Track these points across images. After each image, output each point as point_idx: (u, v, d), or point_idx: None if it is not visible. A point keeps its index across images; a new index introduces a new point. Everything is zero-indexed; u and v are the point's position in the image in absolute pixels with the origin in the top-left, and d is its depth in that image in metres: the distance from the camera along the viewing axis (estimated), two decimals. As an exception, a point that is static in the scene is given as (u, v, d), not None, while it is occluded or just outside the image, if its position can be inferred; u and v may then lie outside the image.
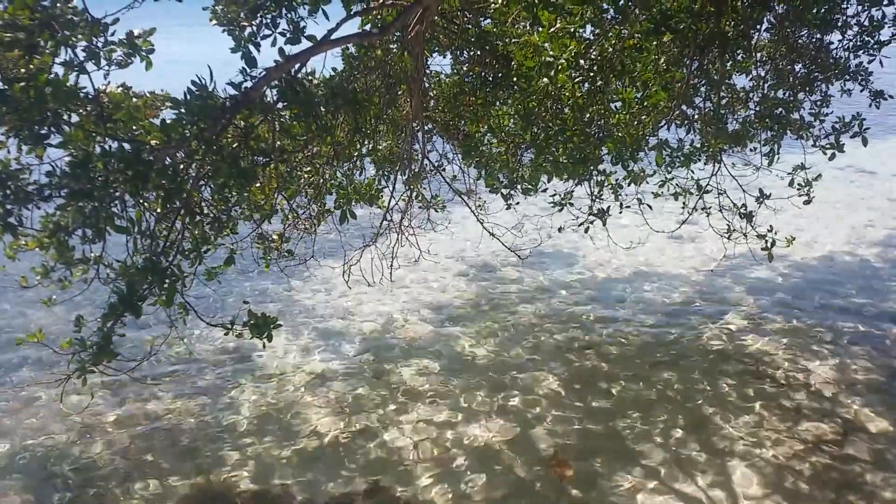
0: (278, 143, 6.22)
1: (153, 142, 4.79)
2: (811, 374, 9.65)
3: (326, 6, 5.29)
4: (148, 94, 6.19)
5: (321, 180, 8.33)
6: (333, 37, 5.67)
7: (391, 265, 9.93)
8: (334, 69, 7.80)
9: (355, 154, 8.27)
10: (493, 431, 8.56)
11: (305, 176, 8.19)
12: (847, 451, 8.00)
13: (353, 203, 8.31)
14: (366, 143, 8.40)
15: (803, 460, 7.86)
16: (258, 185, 7.22)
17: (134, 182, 4.49)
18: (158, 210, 5.55)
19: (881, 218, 16.61)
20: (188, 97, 4.83)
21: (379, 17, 7.60)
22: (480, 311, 12.13)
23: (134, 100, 5.71)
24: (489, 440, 8.40)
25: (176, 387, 9.67)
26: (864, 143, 8.12)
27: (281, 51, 5.31)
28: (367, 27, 7.54)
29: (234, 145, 5.43)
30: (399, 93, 8.38)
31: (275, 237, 8.82)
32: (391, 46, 8.02)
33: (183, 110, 4.82)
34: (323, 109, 6.11)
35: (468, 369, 10.09)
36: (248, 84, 5.19)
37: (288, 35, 5.22)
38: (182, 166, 5.26)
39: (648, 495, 7.40)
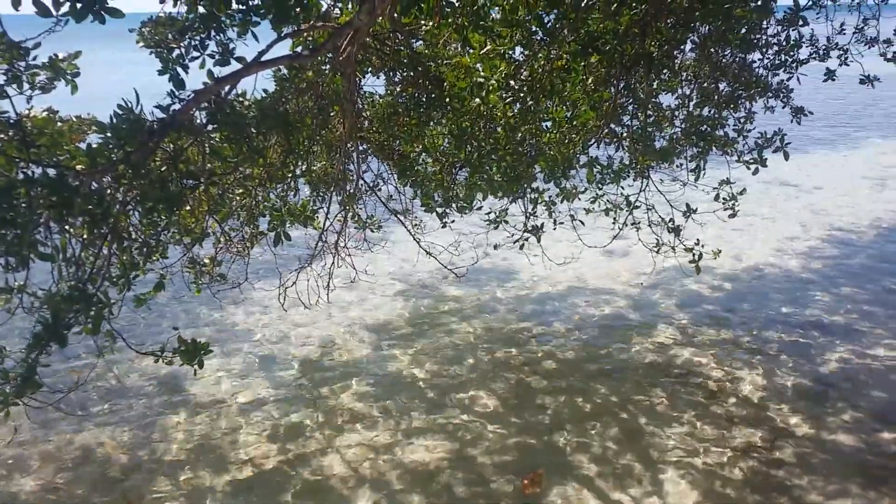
0: (208, 165, 6.14)
1: (79, 167, 4.68)
2: (741, 382, 9.92)
3: (256, 28, 5.27)
4: (74, 119, 6.05)
5: (254, 202, 8.24)
6: (264, 58, 5.64)
7: (328, 286, 9.87)
8: (265, 90, 7.74)
9: (289, 175, 8.22)
10: (431, 451, 8.54)
11: (237, 198, 8.09)
12: (776, 455, 8.24)
13: (288, 224, 8.24)
14: (300, 164, 8.35)
15: (734, 466, 8.06)
16: (188, 208, 7.10)
17: (59, 208, 4.37)
18: (85, 236, 5.40)
19: (804, 229, 17.25)
20: (114, 121, 4.74)
21: (310, 38, 7.59)
22: (419, 330, 12.12)
23: (59, 124, 5.58)
24: (428, 460, 8.37)
25: (106, 418, 9.37)
26: (786, 157, 8.45)
27: (210, 73, 5.27)
28: (299, 49, 7.52)
29: (163, 169, 5.34)
30: (332, 114, 8.37)
31: (206, 261, 8.68)
32: (323, 68, 8.01)
33: (109, 134, 4.72)
34: (254, 131, 6.06)
35: (406, 389, 10.06)
36: (177, 106, 5.12)
37: (217, 57, 5.19)
38: (109, 191, 5.14)
39: (587, 508, 7.50)
